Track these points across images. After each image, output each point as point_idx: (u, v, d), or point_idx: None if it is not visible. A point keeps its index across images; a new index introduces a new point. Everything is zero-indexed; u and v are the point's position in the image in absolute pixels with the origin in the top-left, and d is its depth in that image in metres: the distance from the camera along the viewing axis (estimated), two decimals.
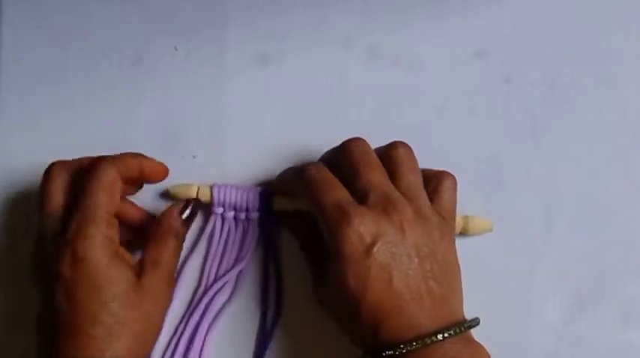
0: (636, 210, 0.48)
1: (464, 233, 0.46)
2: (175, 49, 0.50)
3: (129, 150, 0.48)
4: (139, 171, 0.42)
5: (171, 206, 0.42)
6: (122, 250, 0.39)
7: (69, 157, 0.49)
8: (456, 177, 0.48)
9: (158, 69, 0.50)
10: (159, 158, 0.48)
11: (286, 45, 0.50)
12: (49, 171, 0.41)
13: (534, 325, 0.46)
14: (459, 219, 0.45)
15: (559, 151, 0.48)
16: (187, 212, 0.42)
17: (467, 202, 0.47)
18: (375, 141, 0.48)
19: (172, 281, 0.41)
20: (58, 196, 0.40)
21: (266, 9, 0.50)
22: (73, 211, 0.39)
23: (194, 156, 0.48)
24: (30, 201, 0.48)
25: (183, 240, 0.43)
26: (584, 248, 0.47)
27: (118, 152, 0.48)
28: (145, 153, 0.48)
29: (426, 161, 0.48)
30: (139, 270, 0.39)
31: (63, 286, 0.37)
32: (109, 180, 0.39)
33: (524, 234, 0.47)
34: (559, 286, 0.47)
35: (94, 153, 0.49)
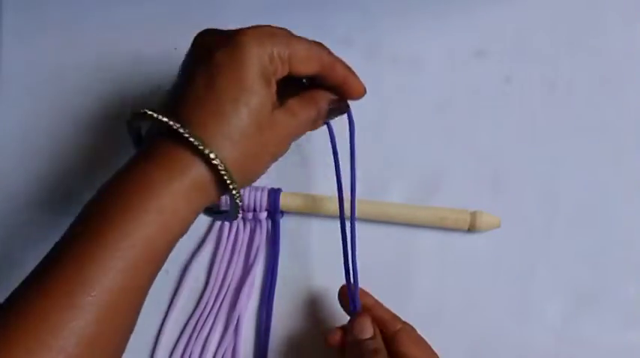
0: (636, 210, 0.47)
1: (472, 229, 0.46)
2: (175, 49, 0.50)
3: (128, 150, 0.48)
4: (342, 79, 0.42)
5: (328, 93, 0.42)
6: (274, 81, 0.38)
7: (69, 157, 0.49)
8: (457, 178, 0.48)
9: (158, 69, 0.50)
10: None
11: None
12: None
13: (534, 325, 0.46)
14: (466, 215, 0.46)
15: (559, 151, 0.48)
16: (337, 104, 0.42)
17: (467, 202, 0.47)
18: (376, 141, 0.48)
19: (288, 142, 0.39)
20: None
21: (266, 9, 0.50)
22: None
23: None
24: (29, 200, 0.49)
25: (316, 126, 0.42)
26: (584, 248, 0.47)
27: (117, 152, 0.49)
28: None
29: (426, 161, 0.48)
30: (277, 106, 0.38)
31: (209, 71, 0.36)
32: (313, 47, 0.40)
33: (524, 234, 0.47)
34: (559, 286, 0.47)
35: (94, 152, 0.49)
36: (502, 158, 0.48)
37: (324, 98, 0.41)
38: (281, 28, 0.39)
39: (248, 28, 0.37)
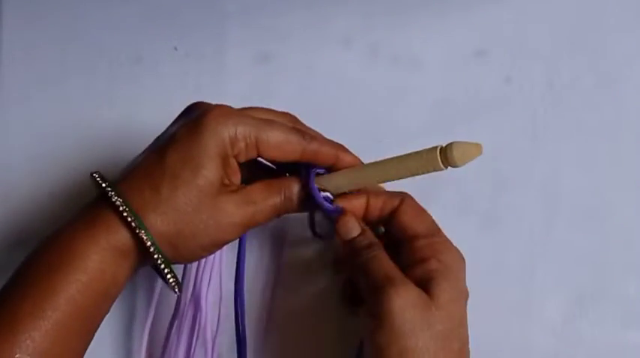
0: (636, 210, 0.47)
1: (453, 164, 0.37)
2: (175, 49, 0.50)
3: (128, 150, 0.48)
4: (332, 161, 0.40)
5: (305, 181, 0.40)
6: (234, 163, 0.38)
7: (69, 157, 0.49)
8: (457, 178, 0.48)
9: (158, 69, 0.50)
10: None
11: (286, 44, 0.50)
12: None
13: (534, 325, 0.46)
14: (434, 154, 0.37)
15: (559, 151, 0.48)
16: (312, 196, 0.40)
17: (467, 202, 0.47)
18: (375, 141, 0.48)
19: (242, 232, 0.39)
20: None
21: (266, 9, 0.50)
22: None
23: None
24: (30, 200, 0.49)
25: (283, 211, 0.40)
26: (584, 247, 0.47)
27: (117, 152, 0.49)
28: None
29: None
30: (231, 190, 0.38)
31: (166, 144, 0.37)
32: (289, 134, 0.39)
33: (524, 234, 0.47)
34: (559, 286, 0.47)
35: (95, 152, 0.49)
36: (502, 158, 0.48)
37: (298, 187, 0.40)
38: (260, 109, 0.39)
39: (216, 107, 0.37)
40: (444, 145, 0.37)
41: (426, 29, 0.49)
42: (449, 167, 0.37)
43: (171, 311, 0.46)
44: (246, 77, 0.49)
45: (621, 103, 0.48)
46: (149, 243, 0.35)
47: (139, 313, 0.47)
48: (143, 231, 0.35)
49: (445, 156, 0.37)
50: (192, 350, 0.44)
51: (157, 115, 0.49)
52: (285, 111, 0.41)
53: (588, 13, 0.49)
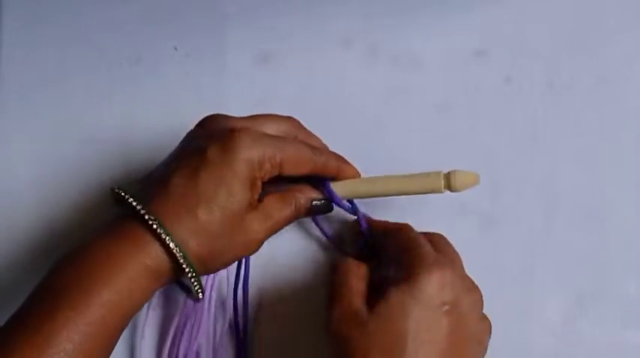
0: (636, 210, 0.47)
1: (453, 189, 0.42)
2: (175, 49, 0.50)
3: (128, 150, 0.48)
4: (335, 172, 0.43)
5: (312, 191, 0.43)
6: (259, 184, 0.39)
7: (69, 157, 0.49)
8: None
9: (158, 69, 0.50)
10: (158, 159, 0.48)
11: (286, 45, 0.50)
12: None
13: (534, 325, 0.46)
14: (439, 179, 0.42)
15: (559, 151, 0.48)
16: (318, 203, 0.43)
17: (467, 202, 0.47)
18: (375, 142, 0.48)
19: (257, 246, 0.40)
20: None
21: (266, 9, 0.50)
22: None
23: None
24: (30, 200, 0.48)
25: (294, 219, 0.42)
26: (584, 247, 0.47)
27: (118, 152, 0.49)
28: (144, 154, 0.48)
29: (426, 161, 0.48)
30: (253, 208, 0.39)
31: (197, 163, 0.37)
32: (306, 150, 0.41)
33: (524, 234, 0.47)
34: (559, 286, 0.47)
35: (94, 153, 0.49)
36: (502, 158, 0.48)
37: (304, 196, 0.42)
38: (268, 118, 0.41)
39: (242, 129, 0.38)
40: (445, 171, 0.42)
41: (426, 29, 0.49)
42: (447, 191, 0.42)
43: (173, 312, 0.46)
44: (247, 77, 0.49)
45: (621, 103, 0.48)
46: (188, 270, 0.37)
47: (140, 315, 0.47)
48: (184, 259, 0.36)
49: (447, 182, 0.42)
50: (195, 349, 0.45)
51: (157, 115, 0.49)
52: (288, 115, 0.43)
53: (588, 13, 0.49)
